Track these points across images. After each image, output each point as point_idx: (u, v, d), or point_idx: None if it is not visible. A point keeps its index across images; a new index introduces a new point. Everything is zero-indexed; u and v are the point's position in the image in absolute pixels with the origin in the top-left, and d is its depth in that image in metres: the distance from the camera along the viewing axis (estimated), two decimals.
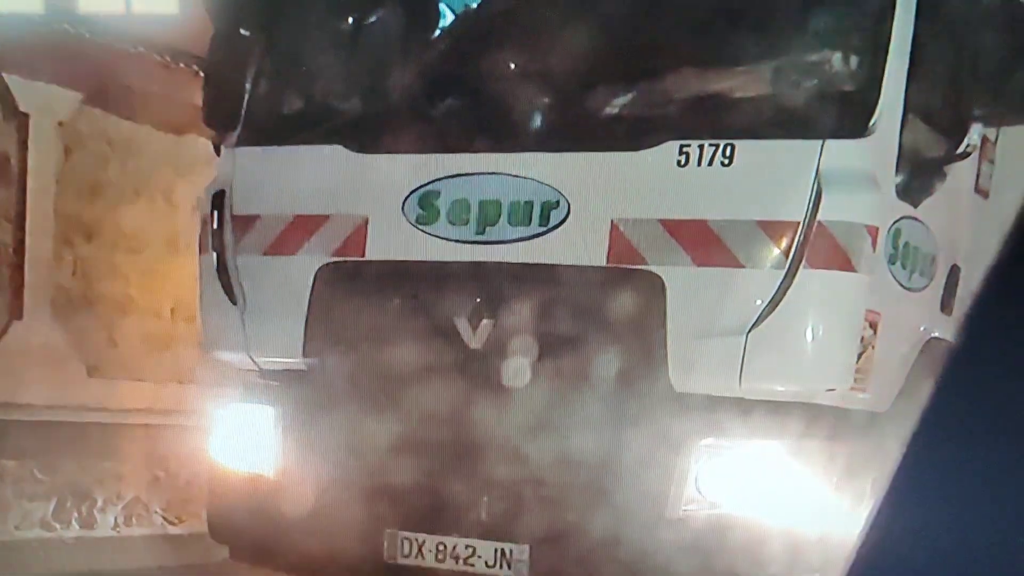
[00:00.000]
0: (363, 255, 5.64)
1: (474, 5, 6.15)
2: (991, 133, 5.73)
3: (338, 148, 5.73)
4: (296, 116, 6.15)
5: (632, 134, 5.33)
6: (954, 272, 5.74)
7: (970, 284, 5.77)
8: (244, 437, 5.96)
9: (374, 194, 5.65)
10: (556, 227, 5.28)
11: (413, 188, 5.52)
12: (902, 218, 5.24)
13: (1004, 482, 1.35)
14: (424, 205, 5.50)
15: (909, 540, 1.38)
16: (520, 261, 5.36)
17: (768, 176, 5.07)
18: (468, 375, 5.43)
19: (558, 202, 5.27)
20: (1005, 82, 5.13)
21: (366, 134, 5.79)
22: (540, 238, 5.31)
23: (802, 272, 4.98)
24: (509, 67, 5.82)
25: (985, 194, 5.92)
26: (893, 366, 5.41)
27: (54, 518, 9.91)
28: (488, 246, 5.41)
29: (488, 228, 5.40)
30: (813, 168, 4.96)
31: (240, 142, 5.96)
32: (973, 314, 1.41)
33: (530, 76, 5.74)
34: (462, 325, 5.43)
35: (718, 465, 5.16)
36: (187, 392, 9.21)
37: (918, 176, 5.25)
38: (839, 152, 4.99)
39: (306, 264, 5.73)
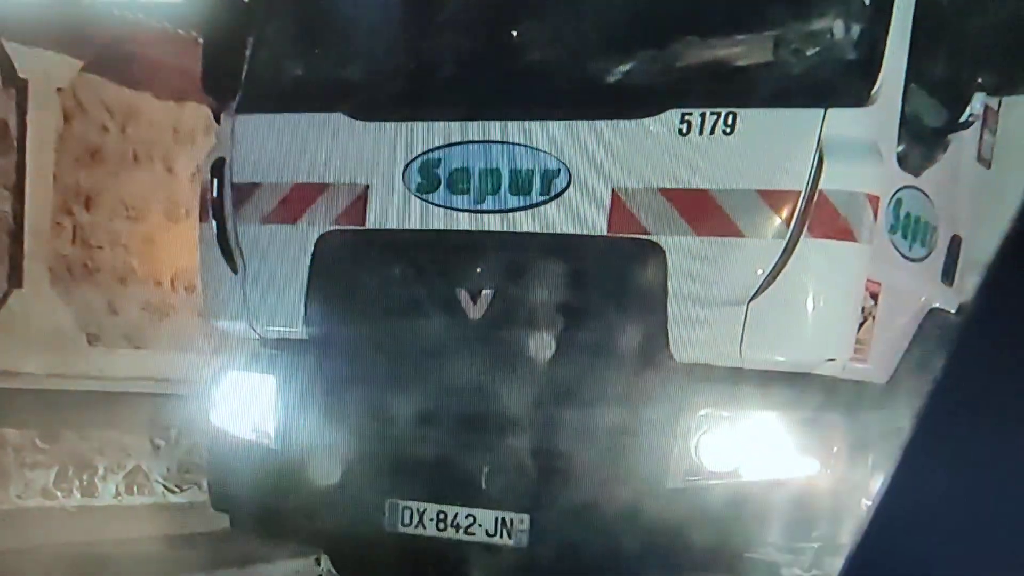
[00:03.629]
0: (363, 224, 5.63)
1: None
2: (994, 103, 5.71)
3: (338, 116, 5.70)
4: (296, 83, 6.13)
5: (634, 102, 5.30)
6: (955, 242, 5.73)
7: (971, 254, 5.76)
8: (245, 406, 5.96)
9: (374, 162, 5.63)
10: (557, 196, 5.26)
11: (413, 156, 5.50)
12: (903, 187, 5.23)
13: (1016, 454, 1.35)
14: (424, 173, 5.48)
15: (919, 513, 1.38)
16: (521, 230, 5.34)
17: (770, 145, 5.06)
18: (468, 345, 5.42)
19: (559, 171, 5.25)
20: (1008, 51, 5.10)
21: (366, 102, 5.77)
22: (541, 207, 5.29)
23: (803, 242, 4.97)
24: (511, 35, 5.79)
25: (987, 164, 5.91)
26: (894, 336, 5.41)
27: (55, 487, 9.94)
28: (489, 215, 5.39)
29: (489, 197, 5.38)
30: (815, 137, 4.94)
31: (240, 110, 5.94)
32: (986, 285, 1.40)
33: (532, 44, 5.71)
34: (462, 295, 5.42)
35: (718, 435, 5.16)
36: (188, 361, 9.22)
37: (920, 145, 5.23)
38: (841, 121, 4.97)
39: (306, 233, 5.72)
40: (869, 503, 5.12)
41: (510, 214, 5.35)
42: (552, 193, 5.27)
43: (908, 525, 1.38)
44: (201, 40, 6.36)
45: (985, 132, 5.80)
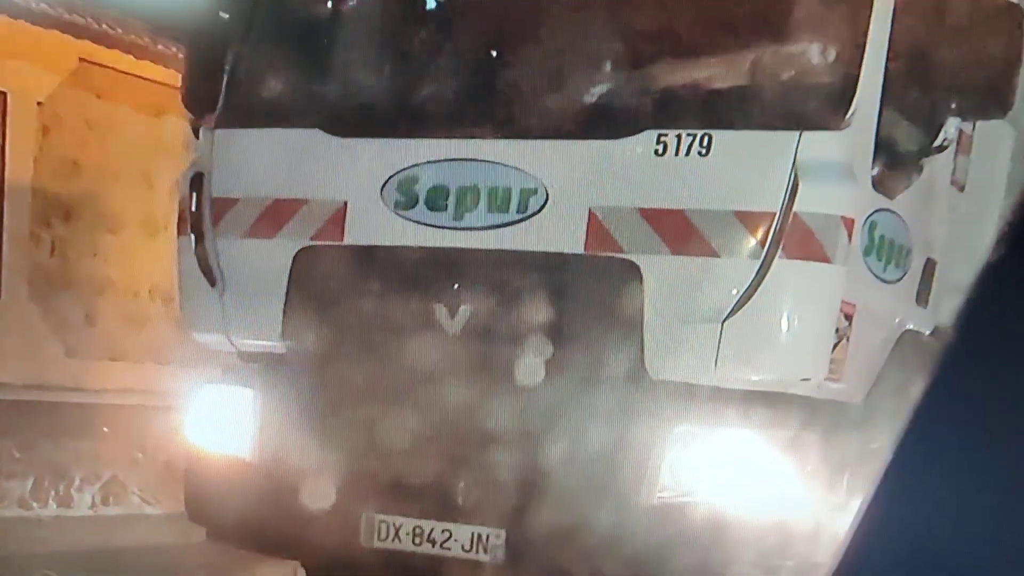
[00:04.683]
0: (341, 239, 5.65)
1: None
2: (968, 127, 5.75)
3: (317, 132, 5.73)
4: (275, 99, 6.14)
5: (611, 123, 5.34)
6: (930, 264, 5.77)
7: (945, 277, 5.80)
8: (222, 419, 5.97)
9: (353, 178, 5.65)
10: (534, 214, 5.29)
11: (392, 173, 5.53)
12: (878, 210, 5.27)
13: (993, 474, 1.37)
14: (403, 190, 5.51)
15: (898, 533, 1.40)
16: (498, 248, 5.37)
17: (745, 167, 5.09)
18: (445, 361, 5.44)
19: (536, 189, 5.28)
20: (982, 76, 5.14)
21: (345, 118, 5.80)
22: (518, 225, 5.32)
23: (778, 262, 5.00)
24: (490, 54, 5.83)
25: (961, 187, 5.94)
26: (868, 357, 5.45)
27: (31, 497, 9.93)
28: (466, 232, 5.42)
29: (466, 214, 5.41)
30: (790, 159, 4.98)
31: (219, 124, 5.96)
32: (967, 308, 1.43)
33: (510, 64, 5.74)
34: (440, 311, 5.44)
35: (692, 452, 5.19)
36: (165, 373, 9.21)
37: (894, 168, 5.27)
38: (816, 144, 5.01)
39: (285, 247, 5.74)
40: (845, 523, 5.17)
41: (487, 231, 5.38)
42: (529, 211, 5.30)
43: (887, 546, 1.40)
44: (181, 55, 6.38)
45: (959, 156, 5.84)
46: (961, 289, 1.41)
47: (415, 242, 5.51)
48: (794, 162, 4.97)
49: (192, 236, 5.96)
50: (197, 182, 5.96)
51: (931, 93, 5.21)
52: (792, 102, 5.15)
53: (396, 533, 5.53)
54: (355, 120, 5.78)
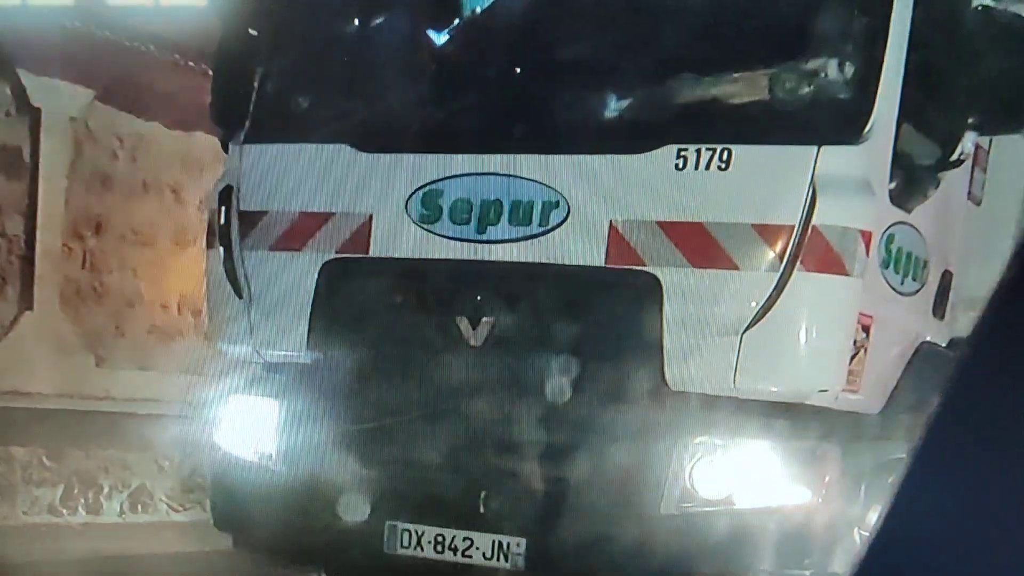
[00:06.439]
0: (367, 252, 5.72)
1: (479, 9, 6.21)
2: (984, 141, 5.79)
3: (344, 147, 5.80)
4: (303, 114, 6.22)
5: (631, 137, 5.39)
6: (946, 277, 5.81)
7: (962, 290, 5.84)
8: (248, 428, 6.04)
9: (378, 192, 5.72)
10: (556, 227, 5.35)
11: (416, 187, 5.60)
12: (895, 223, 5.31)
13: (1011, 485, 1.40)
14: (427, 204, 5.58)
15: (916, 544, 1.44)
16: (520, 260, 5.43)
17: (764, 180, 5.14)
18: (467, 371, 5.51)
19: (558, 203, 5.34)
20: (999, 91, 5.18)
21: (371, 133, 5.87)
22: (540, 238, 5.38)
23: (796, 275, 5.04)
24: (513, 70, 5.90)
25: (978, 201, 5.98)
26: (885, 368, 5.49)
27: (61, 504, 10.04)
28: (489, 245, 5.48)
29: (489, 227, 5.47)
30: (808, 173, 5.03)
31: (247, 139, 6.04)
32: (984, 320, 1.47)
33: (533, 79, 5.81)
34: (462, 322, 5.51)
35: (712, 463, 5.23)
36: (192, 383, 9.32)
37: (912, 182, 5.30)
38: (834, 158, 5.05)
39: (311, 260, 5.81)
40: (862, 532, 5.19)
41: (510, 244, 5.44)
42: (551, 224, 5.36)
43: (905, 556, 1.42)
44: (210, 72, 6.47)
45: (976, 170, 5.88)
46: (978, 301, 1.45)
47: (439, 255, 5.57)
48: (812, 176, 5.02)
49: (220, 249, 6.02)
50: (226, 196, 6.03)
51: (948, 108, 5.25)
52: (810, 117, 5.19)
53: (419, 541, 5.57)
54: (381, 135, 5.84)
